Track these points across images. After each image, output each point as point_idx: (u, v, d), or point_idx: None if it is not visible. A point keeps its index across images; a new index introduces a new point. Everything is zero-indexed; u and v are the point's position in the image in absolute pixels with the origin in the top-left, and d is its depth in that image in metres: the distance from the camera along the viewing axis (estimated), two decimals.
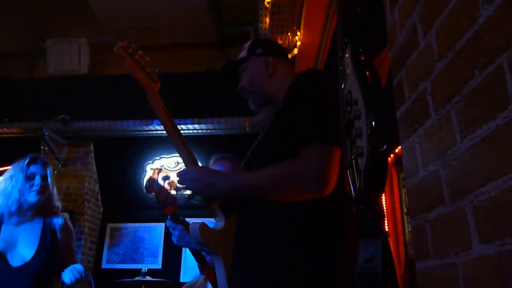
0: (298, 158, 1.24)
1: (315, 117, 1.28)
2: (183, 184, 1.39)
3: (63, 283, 2.02)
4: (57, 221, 2.23)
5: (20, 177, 2.15)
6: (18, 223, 2.14)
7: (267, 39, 1.77)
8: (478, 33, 0.75)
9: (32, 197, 2.14)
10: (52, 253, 2.13)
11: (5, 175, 2.21)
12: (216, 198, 1.40)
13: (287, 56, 1.66)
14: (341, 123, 1.23)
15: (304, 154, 1.23)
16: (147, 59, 1.61)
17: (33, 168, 2.20)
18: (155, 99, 1.55)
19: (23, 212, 2.14)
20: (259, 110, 1.62)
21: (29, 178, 2.17)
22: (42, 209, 2.21)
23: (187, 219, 1.94)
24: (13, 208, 2.11)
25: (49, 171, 2.26)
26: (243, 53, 1.61)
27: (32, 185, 2.15)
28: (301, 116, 1.30)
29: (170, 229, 1.92)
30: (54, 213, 2.25)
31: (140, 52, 1.60)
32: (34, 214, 2.18)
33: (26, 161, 2.21)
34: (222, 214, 1.37)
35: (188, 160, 1.50)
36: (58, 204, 2.29)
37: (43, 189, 2.19)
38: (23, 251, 2.08)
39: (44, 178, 2.21)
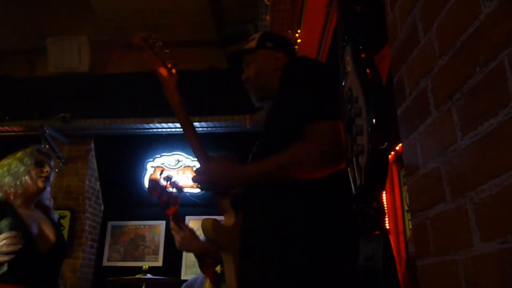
0: (306, 139, 1.25)
1: (312, 95, 1.29)
2: (197, 183, 1.38)
3: None
4: (54, 215, 2.28)
5: (30, 161, 2.17)
6: (26, 208, 2.12)
7: (279, 34, 1.76)
8: (479, 30, 0.74)
9: (40, 183, 2.16)
10: (65, 240, 2.23)
11: (12, 157, 2.21)
12: (228, 194, 1.39)
13: (295, 54, 1.65)
14: (338, 98, 1.23)
15: (311, 132, 1.24)
16: (167, 51, 1.55)
17: (42, 157, 2.23)
18: (172, 92, 1.50)
19: (27, 197, 2.14)
20: (260, 104, 1.61)
21: (39, 164, 2.19)
22: (39, 204, 2.22)
23: (187, 217, 1.94)
24: (20, 189, 2.10)
25: (53, 164, 2.29)
26: (252, 44, 1.58)
27: (42, 171, 2.17)
28: (298, 97, 1.31)
29: (172, 232, 1.92)
30: (49, 210, 2.27)
31: (159, 43, 1.54)
32: (33, 204, 2.19)
33: (36, 149, 2.24)
34: (233, 211, 1.37)
35: (202, 158, 1.44)
36: (51, 201, 2.32)
37: (50, 178, 2.21)
38: (48, 236, 2.11)
39: (51, 168, 2.24)
